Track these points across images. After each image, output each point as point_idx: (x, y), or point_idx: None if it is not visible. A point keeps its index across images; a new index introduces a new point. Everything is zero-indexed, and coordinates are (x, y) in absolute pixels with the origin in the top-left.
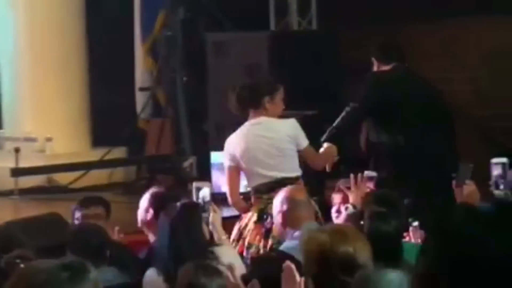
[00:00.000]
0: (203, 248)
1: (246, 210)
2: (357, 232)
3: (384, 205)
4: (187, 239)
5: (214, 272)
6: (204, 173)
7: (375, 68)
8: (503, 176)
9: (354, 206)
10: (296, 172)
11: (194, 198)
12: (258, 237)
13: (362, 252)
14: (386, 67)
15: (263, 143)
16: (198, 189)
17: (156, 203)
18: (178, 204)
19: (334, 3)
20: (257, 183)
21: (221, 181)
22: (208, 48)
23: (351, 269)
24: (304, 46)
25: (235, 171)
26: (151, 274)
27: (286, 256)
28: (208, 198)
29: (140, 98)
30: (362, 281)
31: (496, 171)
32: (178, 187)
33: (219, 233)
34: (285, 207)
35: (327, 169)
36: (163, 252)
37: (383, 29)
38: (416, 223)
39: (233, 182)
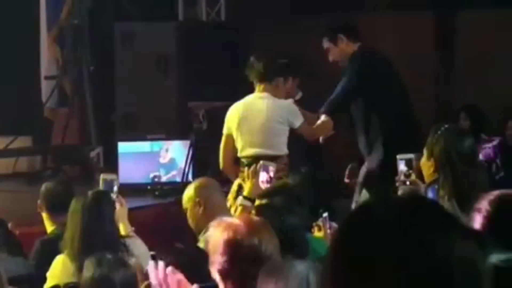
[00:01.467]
0: (114, 239)
1: (235, 177)
2: (264, 224)
3: (288, 197)
4: (98, 229)
5: (118, 263)
6: (111, 163)
7: (341, 46)
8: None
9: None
10: (279, 151)
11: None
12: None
13: (268, 244)
14: (354, 46)
15: (255, 118)
16: (106, 181)
17: (45, 197)
18: (90, 193)
19: None
20: (242, 154)
21: (129, 171)
22: (116, 38)
23: (258, 261)
24: (212, 37)
25: (228, 139)
26: (62, 261)
27: (201, 252)
28: (115, 190)
29: (46, 87)
30: (269, 272)
31: (402, 167)
32: (84, 177)
33: (125, 226)
34: (201, 199)
35: (320, 141)
36: (74, 241)
37: (290, 22)
38: (325, 214)
39: (225, 149)
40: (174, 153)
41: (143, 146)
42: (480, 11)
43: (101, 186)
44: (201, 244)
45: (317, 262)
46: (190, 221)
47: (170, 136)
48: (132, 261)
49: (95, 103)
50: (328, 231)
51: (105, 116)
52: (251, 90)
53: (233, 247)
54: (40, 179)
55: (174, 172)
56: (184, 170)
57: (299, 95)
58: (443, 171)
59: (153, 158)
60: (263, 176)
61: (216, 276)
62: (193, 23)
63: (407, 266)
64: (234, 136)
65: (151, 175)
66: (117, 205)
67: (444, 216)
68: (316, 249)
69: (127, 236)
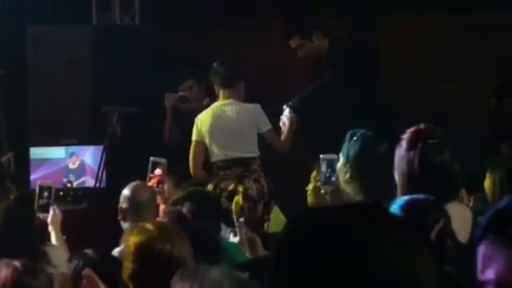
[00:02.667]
0: (33, 246)
1: (206, 181)
2: (177, 229)
3: (202, 203)
4: (15, 235)
5: (27, 270)
6: (23, 169)
7: (317, 42)
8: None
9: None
10: (252, 153)
11: (37, 199)
12: None
13: (181, 249)
14: (326, 41)
15: (227, 123)
16: (42, 189)
17: None
18: (12, 197)
19: None
20: (216, 159)
21: (41, 176)
22: (28, 41)
23: (170, 266)
24: (127, 41)
25: (199, 145)
26: None
27: (113, 260)
28: (51, 198)
29: None
30: (183, 277)
31: (324, 167)
32: None
33: (56, 235)
34: (124, 205)
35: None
36: None
37: (206, 25)
38: (242, 219)
39: (196, 155)
40: (87, 158)
41: (56, 151)
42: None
43: (36, 193)
44: None
45: (233, 267)
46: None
47: (84, 141)
48: (50, 269)
49: (7, 107)
50: (244, 236)
51: (17, 120)
52: (161, 97)
53: (144, 252)
54: None
55: (84, 178)
56: (98, 175)
57: (206, 101)
58: (359, 176)
59: (64, 163)
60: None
61: (129, 282)
62: (107, 27)
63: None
64: (207, 143)
65: (63, 181)
66: (51, 213)
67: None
68: (232, 254)
69: (49, 244)
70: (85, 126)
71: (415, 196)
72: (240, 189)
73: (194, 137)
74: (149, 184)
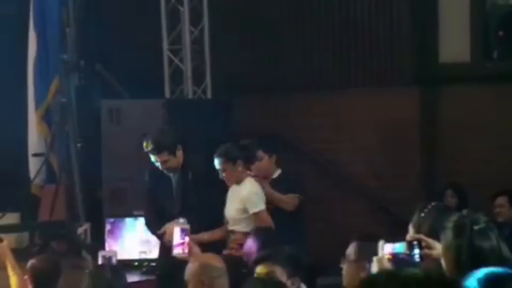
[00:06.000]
0: None
1: None
2: None
3: None
4: None
5: None
6: (99, 239)
7: (177, 156)
8: None
9: None
10: None
11: None
12: None
13: None
14: (182, 154)
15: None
16: (104, 258)
17: (31, 273)
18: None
19: (228, 72)
20: None
21: (116, 247)
22: (103, 114)
23: None
24: (198, 114)
25: None
26: None
27: None
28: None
29: (34, 164)
30: None
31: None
32: (71, 253)
33: None
34: (206, 280)
35: None
36: None
37: (274, 98)
38: None
39: None
40: None
41: (131, 222)
42: (460, 87)
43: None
44: None
45: None
46: None
47: None
48: None
49: (83, 179)
50: None
51: (93, 192)
52: None
53: None
54: (28, 255)
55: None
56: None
57: (277, 173)
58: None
59: (140, 234)
60: None
61: None
62: (180, 101)
63: None
64: None
65: (138, 251)
66: None
67: None
68: None
69: None
70: None
71: (490, 269)
72: None
73: (265, 205)
74: (176, 251)
